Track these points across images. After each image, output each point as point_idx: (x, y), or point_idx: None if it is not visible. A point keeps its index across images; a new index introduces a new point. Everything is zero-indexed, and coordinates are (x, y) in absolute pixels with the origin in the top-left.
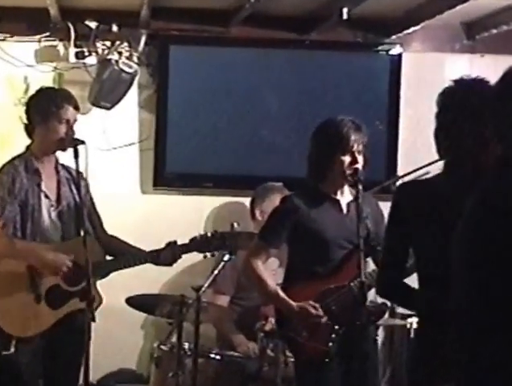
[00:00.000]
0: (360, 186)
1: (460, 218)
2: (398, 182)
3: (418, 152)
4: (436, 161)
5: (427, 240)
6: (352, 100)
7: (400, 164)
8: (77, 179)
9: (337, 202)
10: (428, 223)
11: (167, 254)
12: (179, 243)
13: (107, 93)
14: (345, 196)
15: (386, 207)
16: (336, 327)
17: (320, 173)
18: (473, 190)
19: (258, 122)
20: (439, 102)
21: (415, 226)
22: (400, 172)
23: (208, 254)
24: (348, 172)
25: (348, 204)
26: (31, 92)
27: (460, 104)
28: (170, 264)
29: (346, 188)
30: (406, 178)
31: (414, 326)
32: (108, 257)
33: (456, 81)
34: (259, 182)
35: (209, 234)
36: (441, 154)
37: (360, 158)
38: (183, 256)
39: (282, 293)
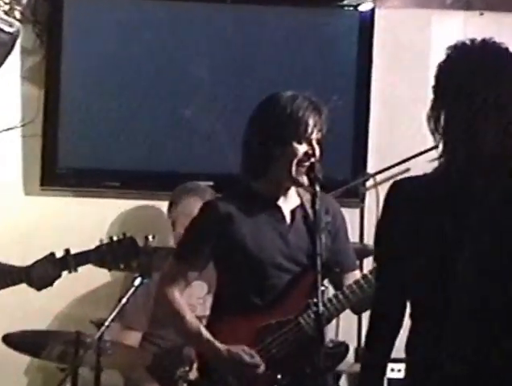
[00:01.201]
0: (317, 187)
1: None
2: (387, 181)
3: (394, 141)
4: (421, 153)
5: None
6: (309, 71)
7: (371, 158)
8: None
9: (279, 209)
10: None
11: (42, 269)
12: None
13: None
14: (290, 201)
15: (352, 214)
16: (279, 377)
17: (259, 168)
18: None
19: (180, 100)
20: (436, 78)
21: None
22: (371, 169)
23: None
24: (300, 167)
25: (294, 211)
26: None
27: (465, 83)
28: (47, 285)
29: (292, 190)
30: (382, 177)
31: (392, 375)
32: None
33: (455, 48)
34: (181, 180)
35: (116, 238)
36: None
37: (317, 148)
38: (80, 279)
39: (205, 333)
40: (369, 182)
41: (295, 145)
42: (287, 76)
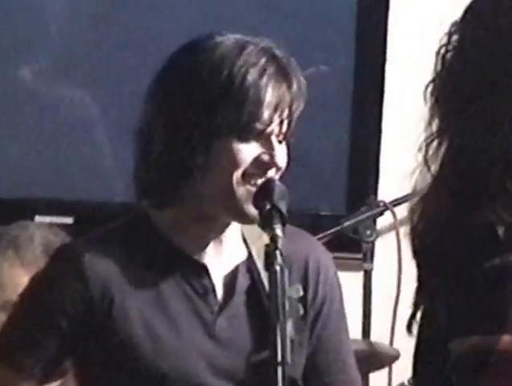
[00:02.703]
0: (278, 230)
1: None
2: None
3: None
4: None
5: None
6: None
7: (384, 176)
8: None
9: (202, 270)
10: None
11: None
12: None
13: None
14: (226, 254)
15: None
16: None
17: (166, 188)
18: None
19: None
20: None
21: None
22: (383, 195)
23: None
24: (246, 187)
25: (232, 276)
26: None
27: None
28: None
29: (232, 231)
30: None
31: None
32: None
33: None
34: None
35: None
36: None
37: (281, 151)
38: None
39: None
40: (384, 219)
41: (238, 144)
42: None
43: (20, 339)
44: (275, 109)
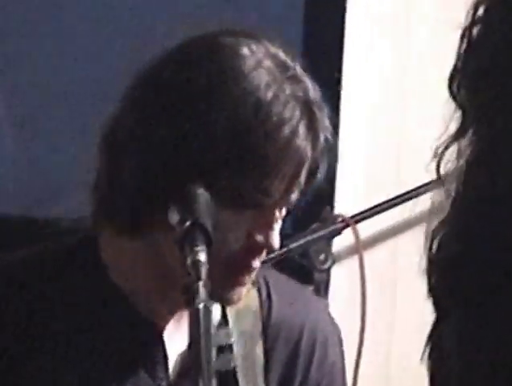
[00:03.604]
0: (201, 254)
1: None
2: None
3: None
4: None
5: None
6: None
7: (342, 182)
8: None
9: (155, 333)
10: None
11: None
12: None
13: None
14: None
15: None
16: None
17: (136, 213)
18: None
19: None
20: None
21: None
22: (341, 207)
23: None
24: (232, 276)
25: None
26: None
27: None
28: None
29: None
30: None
31: None
32: None
33: None
34: None
35: None
36: None
37: (279, 226)
38: None
39: None
40: (342, 239)
41: (229, 215)
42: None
43: None
44: (291, 181)
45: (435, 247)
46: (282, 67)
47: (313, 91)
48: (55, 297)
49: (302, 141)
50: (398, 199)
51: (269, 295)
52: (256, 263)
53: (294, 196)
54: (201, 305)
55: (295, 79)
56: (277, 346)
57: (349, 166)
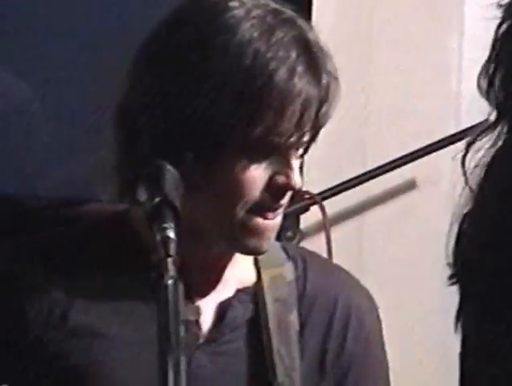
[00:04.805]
0: (170, 231)
1: None
2: None
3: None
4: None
5: None
6: None
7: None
8: None
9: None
10: None
11: None
12: None
13: None
14: (225, 276)
15: None
16: None
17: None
18: None
19: None
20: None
21: None
22: (308, 184)
23: None
24: (257, 218)
25: (226, 305)
26: None
27: None
28: None
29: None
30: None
31: None
32: None
33: None
34: None
35: None
36: None
37: (297, 168)
38: None
39: None
40: (308, 217)
41: (247, 164)
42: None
43: None
44: (300, 119)
45: (461, 235)
46: (274, 13)
47: (311, 32)
48: (94, 256)
49: (302, 79)
50: (363, 177)
51: (305, 269)
52: (279, 205)
53: (305, 138)
54: (170, 282)
55: (288, 21)
56: (312, 317)
57: (316, 143)
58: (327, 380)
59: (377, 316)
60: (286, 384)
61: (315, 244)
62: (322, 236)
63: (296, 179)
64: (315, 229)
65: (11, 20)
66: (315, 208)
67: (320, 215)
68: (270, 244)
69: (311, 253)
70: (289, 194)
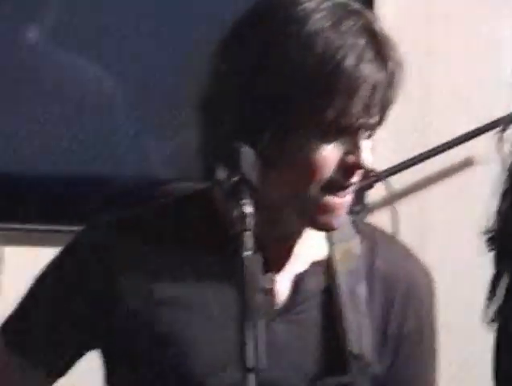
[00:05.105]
0: (247, 207)
1: None
2: None
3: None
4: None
5: None
6: None
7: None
8: None
9: (265, 266)
10: None
11: None
12: None
13: None
14: (299, 250)
15: None
16: None
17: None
18: None
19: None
20: None
21: None
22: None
23: None
24: (329, 196)
25: (302, 278)
26: None
27: None
28: None
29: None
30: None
31: None
32: None
33: None
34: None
35: None
36: None
37: (367, 148)
38: None
39: None
40: (374, 194)
41: (319, 145)
42: None
43: (26, 325)
44: (368, 102)
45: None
46: (342, 5)
47: (377, 22)
48: (178, 231)
49: (369, 65)
50: (426, 154)
51: (373, 244)
52: (349, 183)
53: (373, 120)
54: (248, 253)
55: (355, 12)
56: (378, 290)
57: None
58: (387, 351)
59: (434, 295)
60: (357, 352)
61: (379, 220)
62: (388, 214)
63: (366, 159)
64: (380, 206)
65: (104, 21)
66: (380, 185)
67: (382, 192)
68: (341, 220)
69: (379, 229)
70: (359, 172)
